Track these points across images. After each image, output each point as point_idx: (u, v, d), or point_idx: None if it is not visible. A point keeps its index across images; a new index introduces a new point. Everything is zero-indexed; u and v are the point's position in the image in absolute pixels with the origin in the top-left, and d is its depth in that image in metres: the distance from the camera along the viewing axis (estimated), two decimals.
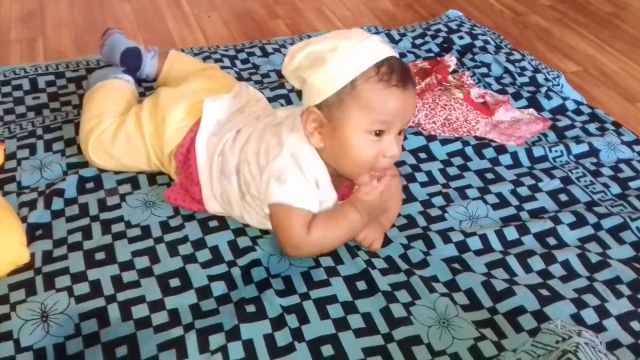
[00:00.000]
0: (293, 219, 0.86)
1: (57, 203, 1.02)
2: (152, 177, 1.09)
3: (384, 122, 0.84)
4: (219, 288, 0.88)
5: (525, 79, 1.44)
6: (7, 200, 0.99)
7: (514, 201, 1.08)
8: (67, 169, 1.10)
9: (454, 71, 1.41)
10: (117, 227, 0.98)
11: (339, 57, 0.84)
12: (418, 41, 1.59)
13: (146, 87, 1.29)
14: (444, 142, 1.20)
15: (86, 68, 1.41)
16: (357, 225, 0.90)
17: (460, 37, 1.59)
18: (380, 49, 0.86)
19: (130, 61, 1.21)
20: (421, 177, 1.13)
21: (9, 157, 1.12)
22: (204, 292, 0.87)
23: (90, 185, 1.07)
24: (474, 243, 0.98)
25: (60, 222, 0.99)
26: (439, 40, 1.59)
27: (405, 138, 1.19)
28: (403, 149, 1.17)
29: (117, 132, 1.06)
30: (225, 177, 0.95)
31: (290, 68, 0.89)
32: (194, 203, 1.00)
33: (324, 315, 0.84)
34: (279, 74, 1.43)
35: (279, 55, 1.50)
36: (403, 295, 0.88)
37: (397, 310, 0.85)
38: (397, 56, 0.88)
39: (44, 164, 1.11)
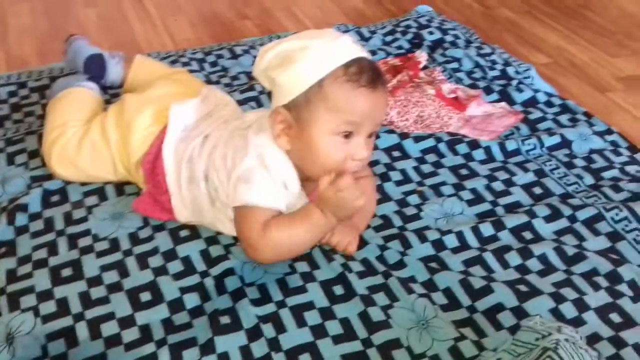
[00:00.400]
0: (252, 218, 0.84)
1: (21, 219, 0.98)
2: (120, 187, 1.06)
3: (352, 124, 0.82)
4: (191, 300, 0.86)
5: (496, 73, 1.43)
6: None
7: (488, 196, 1.07)
8: (31, 182, 1.06)
9: (425, 67, 1.40)
10: (84, 242, 0.95)
11: (307, 57, 0.82)
12: (388, 38, 1.58)
13: (112, 94, 1.25)
14: (417, 139, 1.18)
15: (50, 77, 1.37)
16: (321, 227, 0.86)
17: (431, 33, 1.58)
18: (350, 49, 0.84)
19: (94, 68, 1.18)
20: (395, 175, 1.11)
21: None
22: (176, 306, 0.85)
23: (55, 198, 1.03)
24: (450, 241, 0.97)
25: (25, 238, 0.96)
26: (409, 36, 1.58)
27: (377, 137, 1.17)
28: (376, 147, 1.16)
29: (81, 141, 1.03)
30: (194, 184, 0.93)
31: (260, 68, 0.87)
32: (164, 212, 0.97)
33: (301, 323, 0.82)
34: (249, 76, 1.41)
35: (249, 57, 1.48)
36: (381, 298, 0.86)
37: (376, 314, 0.84)
38: (369, 57, 0.87)
39: (6, 177, 1.07)
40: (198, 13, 1.81)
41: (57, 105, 1.09)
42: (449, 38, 1.56)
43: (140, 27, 1.71)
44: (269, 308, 0.84)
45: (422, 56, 1.39)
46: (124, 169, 1.02)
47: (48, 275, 0.89)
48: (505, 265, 0.93)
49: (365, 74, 0.82)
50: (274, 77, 0.85)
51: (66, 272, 0.90)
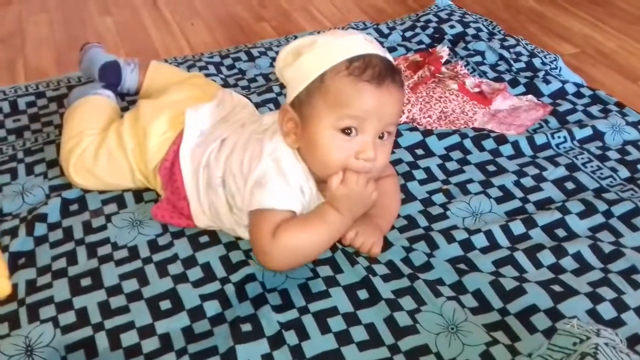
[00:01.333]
0: (265, 221, 0.81)
1: (40, 229, 0.97)
2: (139, 195, 1.04)
3: (353, 118, 0.79)
4: (212, 308, 0.83)
5: (522, 65, 1.38)
6: None
7: (518, 193, 1.03)
8: (49, 192, 1.05)
9: (447, 62, 1.36)
10: (103, 250, 0.93)
11: (313, 52, 0.81)
12: (408, 34, 1.54)
13: (130, 100, 1.24)
14: (441, 136, 1.14)
15: (67, 86, 1.36)
16: (336, 226, 0.83)
17: (452, 27, 1.54)
18: (359, 45, 0.82)
19: (109, 76, 1.17)
20: (419, 174, 1.08)
21: None
22: (196, 314, 0.83)
23: (74, 207, 1.02)
24: (479, 240, 0.93)
25: (44, 248, 0.94)
26: (429, 31, 1.53)
27: (399, 135, 1.14)
28: (398, 146, 1.12)
29: (98, 150, 1.01)
30: (212, 190, 0.90)
31: (278, 67, 0.86)
32: (183, 219, 0.95)
33: (324, 329, 0.79)
34: (267, 77, 1.39)
35: (266, 59, 1.46)
36: (407, 302, 0.83)
37: (402, 319, 0.80)
38: (385, 55, 0.83)
39: (25, 188, 1.06)
40: (215, 17, 1.80)
41: (73, 114, 1.07)
42: (471, 31, 1.52)
43: (157, 33, 1.70)
44: (292, 314, 0.81)
45: (443, 51, 1.35)
46: (142, 176, 1.01)
47: (67, 285, 0.87)
48: (538, 264, 0.89)
49: (370, 69, 0.79)
50: (283, 75, 0.84)
51: (85, 281, 0.88)
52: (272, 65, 1.41)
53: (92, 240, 0.95)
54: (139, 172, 1.00)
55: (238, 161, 0.87)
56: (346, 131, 0.80)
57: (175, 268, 0.90)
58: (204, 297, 0.85)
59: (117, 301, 0.85)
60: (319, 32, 1.48)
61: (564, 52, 1.54)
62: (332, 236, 0.84)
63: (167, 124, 0.98)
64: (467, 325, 0.79)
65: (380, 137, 0.83)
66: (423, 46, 1.48)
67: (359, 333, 0.79)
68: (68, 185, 1.05)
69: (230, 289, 0.86)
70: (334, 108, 0.79)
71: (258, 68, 1.42)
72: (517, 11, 1.79)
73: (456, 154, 1.12)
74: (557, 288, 0.83)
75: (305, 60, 0.81)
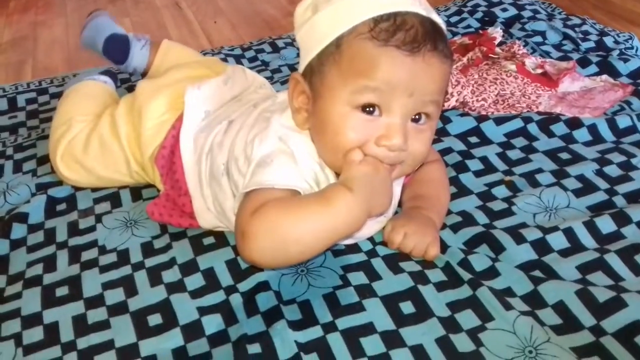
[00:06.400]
0: (252, 200, 0.61)
1: (19, 230, 0.82)
2: (137, 192, 0.88)
3: (375, 91, 0.60)
4: (212, 323, 0.65)
5: (591, 44, 1.18)
6: None
7: (602, 184, 0.82)
8: (36, 190, 0.90)
9: (502, 43, 1.17)
10: (88, 255, 0.77)
11: (332, 6, 0.62)
12: (454, 19, 1.36)
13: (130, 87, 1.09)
14: (499, 121, 0.95)
15: None
16: (345, 213, 0.60)
17: (504, 10, 1.35)
18: (394, 1, 0.62)
19: (115, 50, 1.00)
20: (474, 164, 0.88)
21: None
22: (192, 330, 0.65)
23: (62, 207, 0.87)
24: (558, 241, 0.72)
25: (20, 252, 0.79)
26: (478, 15, 1.35)
27: (448, 121, 0.95)
28: (447, 133, 0.93)
29: (89, 137, 0.86)
30: (215, 181, 0.73)
31: (296, 26, 0.68)
32: (185, 217, 0.78)
33: (357, 352, 0.60)
34: (292, 68, 1.23)
35: (292, 50, 1.30)
36: (468, 318, 0.63)
37: (461, 340, 0.60)
38: (426, 14, 0.63)
39: (10, 186, 0.91)
40: (239, 14, 1.67)
41: (63, 102, 0.93)
42: (526, 13, 1.32)
43: (177, 32, 1.58)
44: (314, 332, 0.62)
45: (496, 32, 1.16)
46: (139, 166, 0.85)
47: (39, 296, 0.71)
48: (637, 270, 0.69)
49: (402, 32, 0.60)
50: (297, 35, 0.67)
51: (61, 291, 0.72)
52: (299, 55, 1.25)
53: (76, 244, 0.79)
54: (134, 162, 0.84)
55: (242, 143, 0.69)
56: (367, 109, 0.62)
57: (170, 275, 0.72)
58: (204, 310, 0.67)
59: (96, 315, 0.68)
60: None
61: (638, 36, 1.33)
62: (335, 226, 0.61)
63: (167, 105, 0.82)
64: (550, 347, 0.59)
65: (415, 120, 0.64)
66: (472, 30, 1.30)
67: (402, 357, 0.59)
68: (58, 183, 0.90)
69: (236, 300, 0.67)
70: (349, 77, 0.61)
71: (283, 59, 1.26)
72: None
73: (519, 141, 0.92)
74: None
75: (321, 18, 0.63)
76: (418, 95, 0.61)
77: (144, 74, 1.03)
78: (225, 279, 0.71)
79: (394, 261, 0.71)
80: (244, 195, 0.63)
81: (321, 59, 0.63)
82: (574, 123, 0.93)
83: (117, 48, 1.00)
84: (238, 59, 1.28)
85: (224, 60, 1.25)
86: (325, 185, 0.66)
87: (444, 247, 0.73)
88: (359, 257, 0.72)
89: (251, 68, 1.23)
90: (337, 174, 0.67)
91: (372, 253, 0.72)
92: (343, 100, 0.62)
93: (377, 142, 0.62)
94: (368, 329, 0.62)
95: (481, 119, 0.96)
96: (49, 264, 0.76)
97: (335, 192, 0.61)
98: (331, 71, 0.62)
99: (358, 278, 0.69)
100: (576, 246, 0.72)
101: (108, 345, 0.64)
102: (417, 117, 0.64)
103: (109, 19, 1.05)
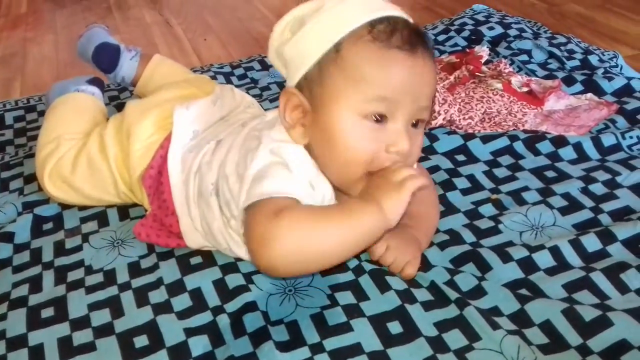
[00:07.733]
0: (263, 208, 0.60)
1: (4, 250, 0.82)
2: (124, 211, 0.87)
3: (385, 101, 0.61)
4: (199, 345, 0.65)
5: (576, 63, 1.19)
6: None
7: (587, 202, 0.83)
8: (22, 209, 0.89)
9: (488, 62, 1.18)
10: (74, 275, 0.77)
11: (321, 17, 0.63)
12: (441, 37, 1.38)
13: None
14: (486, 139, 0.96)
15: None
16: (368, 225, 0.61)
17: (490, 28, 1.36)
18: (379, 5, 0.64)
19: (104, 58, 1.01)
20: (461, 183, 0.89)
21: None
22: (179, 352, 0.64)
23: (48, 226, 0.86)
24: (544, 259, 0.73)
25: (6, 273, 0.78)
26: (465, 33, 1.36)
27: (435, 139, 0.96)
28: (434, 151, 0.94)
29: (77, 157, 0.86)
30: (203, 200, 0.73)
31: (272, 48, 0.69)
32: (172, 238, 0.78)
33: None
34: (282, 86, 1.23)
35: None
36: (455, 338, 0.63)
37: None
38: (408, 19, 0.66)
39: None
40: (229, 31, 1.67)
41: (51, 116, 0.92)
42: (513, 32, 1.34)
43: (166, 49, 1.58)
44: (301, 354, 0.62)
45: (483, 50, 1.18)
46: (127, 187, 0.84)
47: (24, 317, 0.70)
48: (623, 288, 0.69)
49: (399, 32, 0.62)
50: (282, 52, 0.66)
51: (47, 312, 0.71)
52: None
53: (62, 264, 0.79)
54: (122, 183, 0.84)
55: (233, 162, 0.69)
56: (376, 117, 0.62)
57: (157, 295, 0.72)
58: (190, 332, 0.66)
59: (82, 336, 0.67)
60: None
61: (621, 54, 1.34)
62: (357, 240, 0.61)
63: (155, 125, 0.83)
64: None
65: (414, 125, 0.65)
66: (459, 48, 1.31)
67: None
68: (45, 202, 0.90)
69: (224, 321, 0.67)
70: (356, 86, 0.62)
71: (272, 76, 1.27)
72: (562, 16, 1.61)
73: (506, 159, 0.93)
74: None
75: (312, 29, 0.64)
76: (418, 99, 0.64)
77: (132, 84, 1.04)
78: (213, 299, 0.70)
79: (381, 278, 0.71)
80: (246, 209, 0.62)
81: (321, 67, 0.63)
82: (560, 141, 0.94)
83: (106, 56, 1.01)
84: (227, 77, 1.28)
85: (213, 77, 1.26)
86: (321, 191, 0.67)
87: (428, 265, 0.73)
88: (347, 277, 0.71)
89: (240, 85, 1.25)
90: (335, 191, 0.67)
91: (359, 270, 0.72)
92: (351, 108, 0.62)
93: (387, 149, 0.63)
94: (356, 349, 0.62)
95: (468, 137, 0.97)
96: (35, 284, 0.76)
97: (356, 203, 0.62)
98: (334, 77, 0.63)
99: (346, 297, 0.69)
100: (562, 264, 0.73)
101: None
102: (415, 122, 0.65)
103: (104, 31, 1.07)
